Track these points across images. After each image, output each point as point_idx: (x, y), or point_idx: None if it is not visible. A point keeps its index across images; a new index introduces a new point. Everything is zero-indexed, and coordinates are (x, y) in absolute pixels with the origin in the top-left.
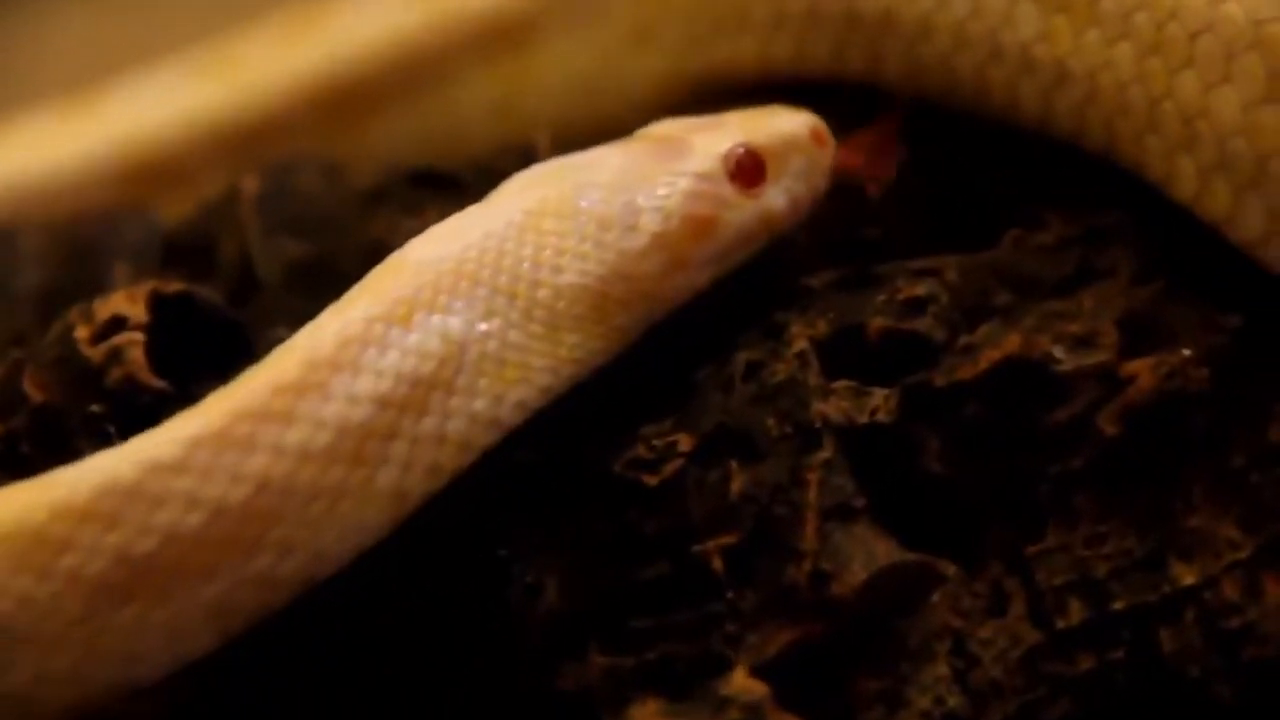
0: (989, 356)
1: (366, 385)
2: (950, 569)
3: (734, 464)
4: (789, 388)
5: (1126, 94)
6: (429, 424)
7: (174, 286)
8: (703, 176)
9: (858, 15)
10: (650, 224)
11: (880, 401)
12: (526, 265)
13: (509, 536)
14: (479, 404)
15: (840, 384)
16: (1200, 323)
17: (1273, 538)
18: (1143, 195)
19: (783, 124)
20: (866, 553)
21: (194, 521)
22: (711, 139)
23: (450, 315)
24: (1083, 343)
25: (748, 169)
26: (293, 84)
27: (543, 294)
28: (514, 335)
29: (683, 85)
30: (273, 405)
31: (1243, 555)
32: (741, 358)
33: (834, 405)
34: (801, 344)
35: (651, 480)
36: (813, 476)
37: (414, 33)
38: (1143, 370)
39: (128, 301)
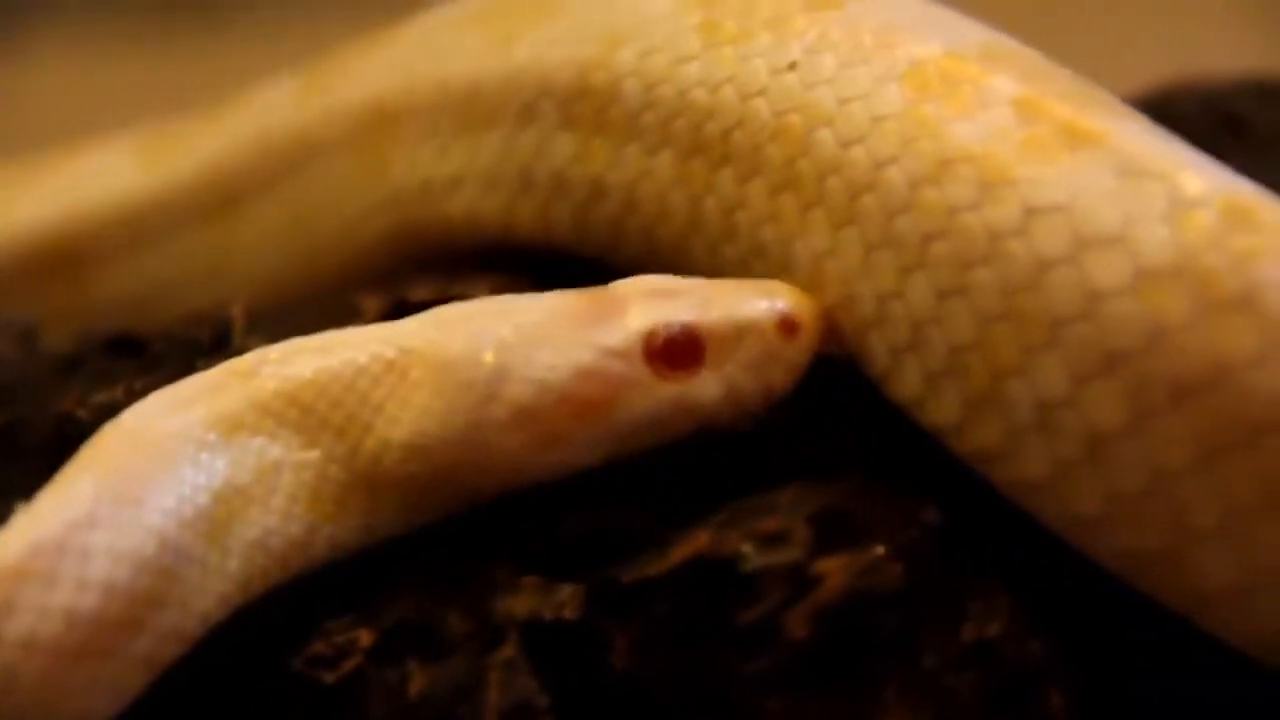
0: (679, 553)
1: (202, 480)
2: None
3: (414, 662)
4: (474, 581)
5: (667, 199)
6: (250, 532)
7: None
8: (610, 352)
9: (400, 194)
10: (518, 395)
11: (567, 597)
12: (368, 409)
13: None
14: (293, 528)
15: (527, 579)
16: (896, 517)
17: None
18: (847, 377)
19: (746, 306)
20: None
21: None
22: (650, 310)
23: (274, 439)
24: (774, 539)
25: (678, 350)
26: None
27: (370, 443)
28: (334, 471)
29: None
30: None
31: None
32: None
33: (520, 601)
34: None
35: (330, 678)
36: (494, 676)
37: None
38: (833, 569)
39: None
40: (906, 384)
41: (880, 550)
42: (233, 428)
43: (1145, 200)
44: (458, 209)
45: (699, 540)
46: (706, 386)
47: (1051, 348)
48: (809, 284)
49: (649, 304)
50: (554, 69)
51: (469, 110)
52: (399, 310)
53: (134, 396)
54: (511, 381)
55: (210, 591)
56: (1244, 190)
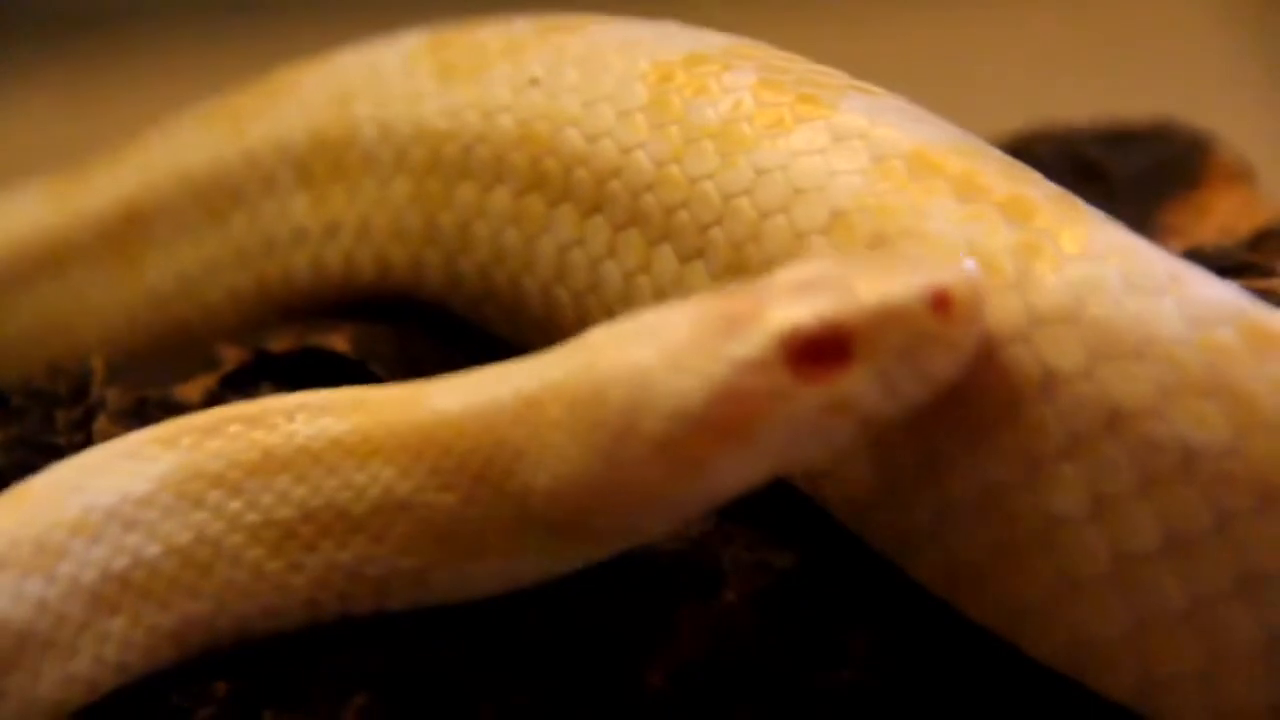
0: (535, 605)
1: (300, 492)
2: None
3: (270, 712)
4: (330, 630)
5: (401, 223)
6: (344, 557)
7: None
8: (745, 366)
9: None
10: (653, 430)
11: (424, 647)
12: (508, 452)
13: None
14: (406, 562)
15: (385, 628)
16: (749, 564)
17: None
18: None
19: (891, 287)
20: None
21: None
22: (788, 308)
23: (406, 474)
24: (629, 589)
25: (821, 350)
26: None
27: (513, 486)
28: (474, 512)
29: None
30: (228, 475)
31: None
32: None
33: (377, 650)
34: None
35: None
36: None
37: None
38: (686, 617)
39: None
40: None
41: (732, 597)
42: (371, 451)
43: (849, 156)
44: (216, 294)
45: (553, 591)
46: (859, 383)
47: None
48: (555, 278)
49: (788, 301)
50: (290, 138)
51: (214, 198)
52: (259, 359)
53: None
54: (645, 414)
55: (257, 598)
56: (936, 145)
